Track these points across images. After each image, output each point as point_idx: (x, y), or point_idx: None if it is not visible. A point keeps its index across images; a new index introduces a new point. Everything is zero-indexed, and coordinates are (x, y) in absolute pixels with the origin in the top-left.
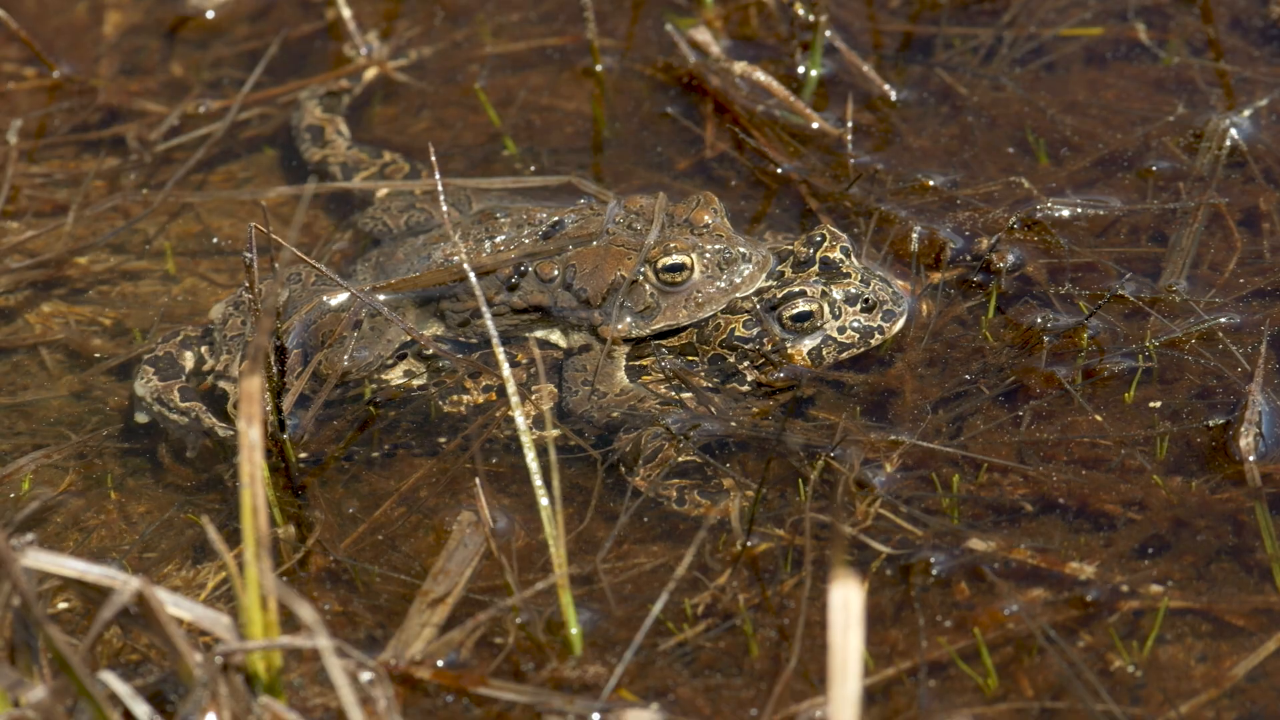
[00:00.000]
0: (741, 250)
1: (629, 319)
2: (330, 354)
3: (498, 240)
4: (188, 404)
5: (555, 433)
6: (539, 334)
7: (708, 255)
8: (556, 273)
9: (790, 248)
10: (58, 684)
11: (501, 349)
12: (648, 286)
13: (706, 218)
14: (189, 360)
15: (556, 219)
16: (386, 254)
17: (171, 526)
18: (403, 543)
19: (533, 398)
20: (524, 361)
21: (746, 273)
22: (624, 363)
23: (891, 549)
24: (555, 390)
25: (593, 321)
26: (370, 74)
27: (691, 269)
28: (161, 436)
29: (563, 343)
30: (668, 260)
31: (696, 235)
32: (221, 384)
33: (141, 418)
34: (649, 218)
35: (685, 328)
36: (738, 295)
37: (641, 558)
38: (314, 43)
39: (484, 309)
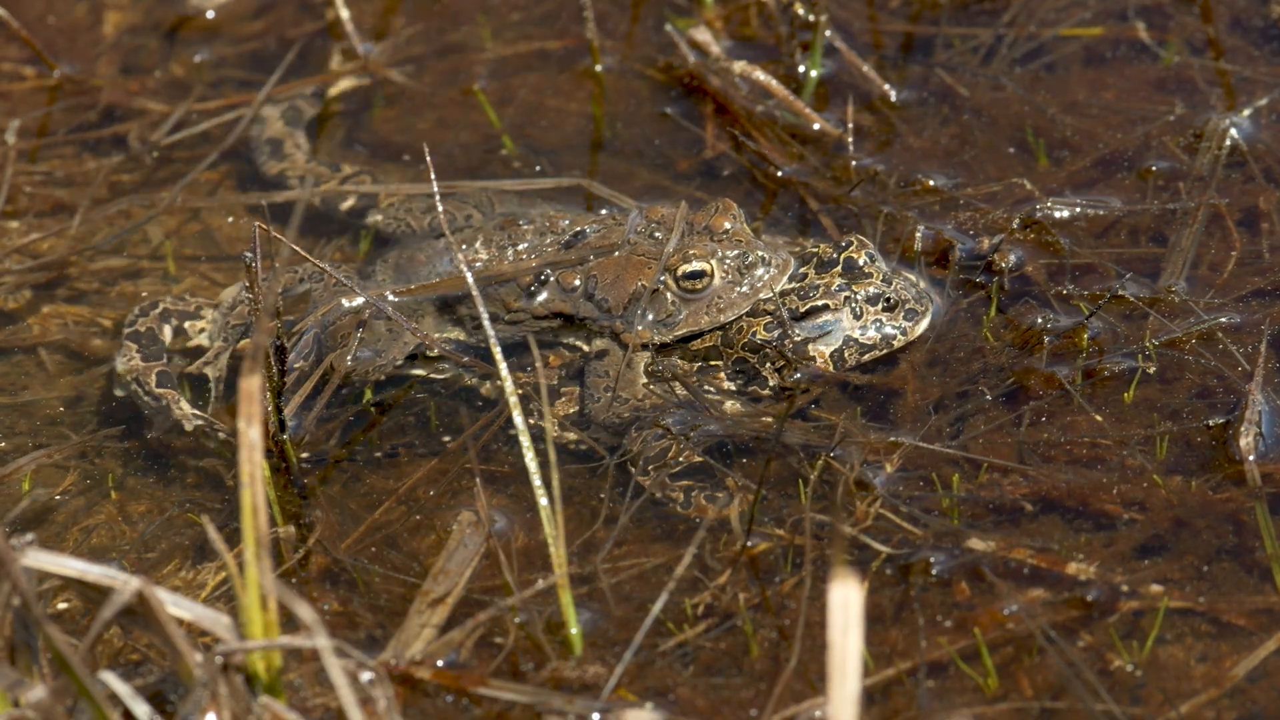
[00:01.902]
0: (761, 254)
1: (650, 327)
2: (336, 355)
3: (520, 248)
4: (162, 390)
5: (571, 436)
6: (566, 340)
7: (728, 261)
8: (578, 282)
9: (815, 250)
10: (58, 684)
11: (500, 352)
12: (669, 295)
13: (726, 223)
14: (168, 334)
15: (579, 229)
16: (408, 256)
17: (171, 526)
18: (403, 543)
19: (553, 404)
20: (556, 365)
21: (767, 276)
22: (643, 368)
23: (891, 549)
24: (574, 393)
25: (615, 329)
26: (344, 85)
27: (711, 275)
28: (167, 440)
29: (585, 347)
30: (687, 267)
31: (716, 241)
32: (206, 369)
33: (119, 392)
34: (670, 226)
35: (708, 332)
36: (760, 298)
37: (641, 558)
38: (314, 43)
39: (484, 319)
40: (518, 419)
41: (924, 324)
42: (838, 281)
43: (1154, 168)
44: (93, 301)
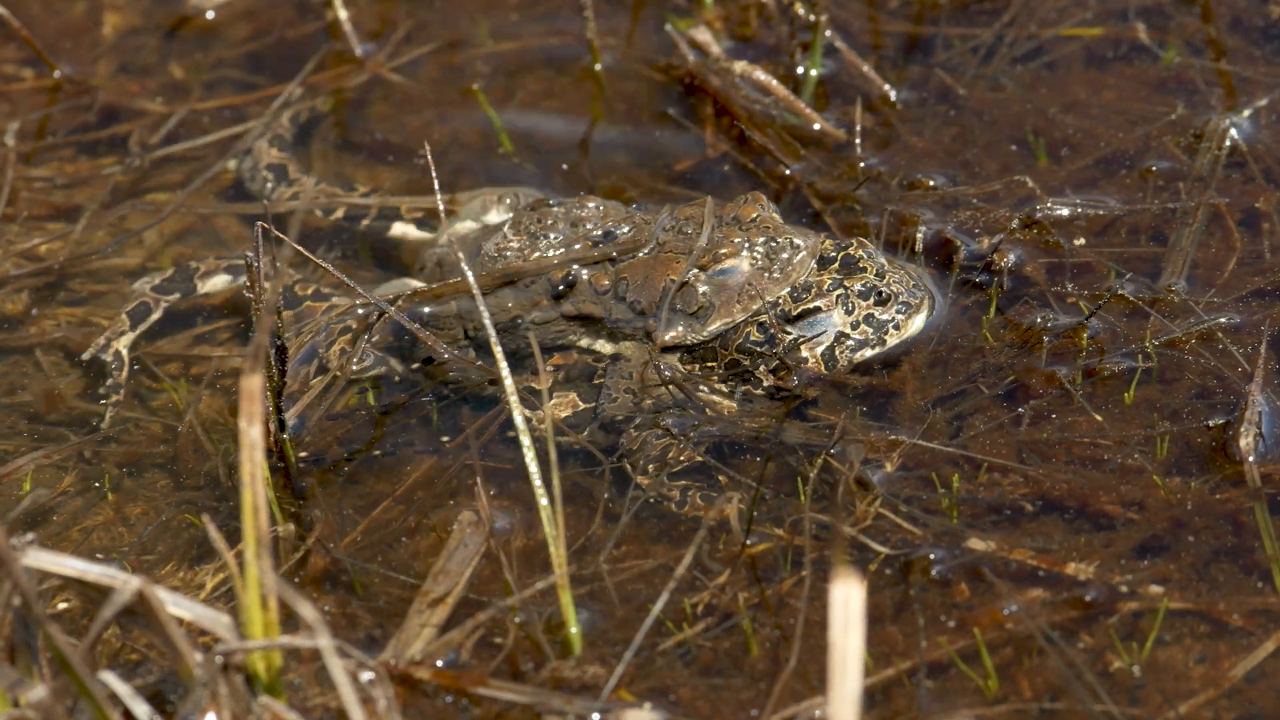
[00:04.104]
0: (791, 239)
1: (681, 325)
2: (341, 358)
3: (551, 238)
4: (124, 318)
5: (571, 437)
6: (583, 342)
7: (757, 249)
8: (608, 284)
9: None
10: (58, 684)
11: (500, 350)
12: (700, 287)
13: (754, 212)
14: (205, 287)
15: (608, 229)
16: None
17: (169, 527)
18: (402, 543)
19: (549, 405)
20: (560, 366)
21: (798, 259)
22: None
23: (891, 549)
24: (577, 398)
25: (648, 329)
26: (291, 110)
27: (741, 267)
28: (161, 439)
29: (607, 350)
30: (718, 267)
31: (744, 230)
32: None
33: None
34: (699, 222)
35: (742, 324)
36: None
37: (641, 558)
38: (313, 43)
39: (486, 319)
40: (518, 418)
41: (919, 319)
42: (830, 279)
43: (1154, 168)
44: (92, 303)
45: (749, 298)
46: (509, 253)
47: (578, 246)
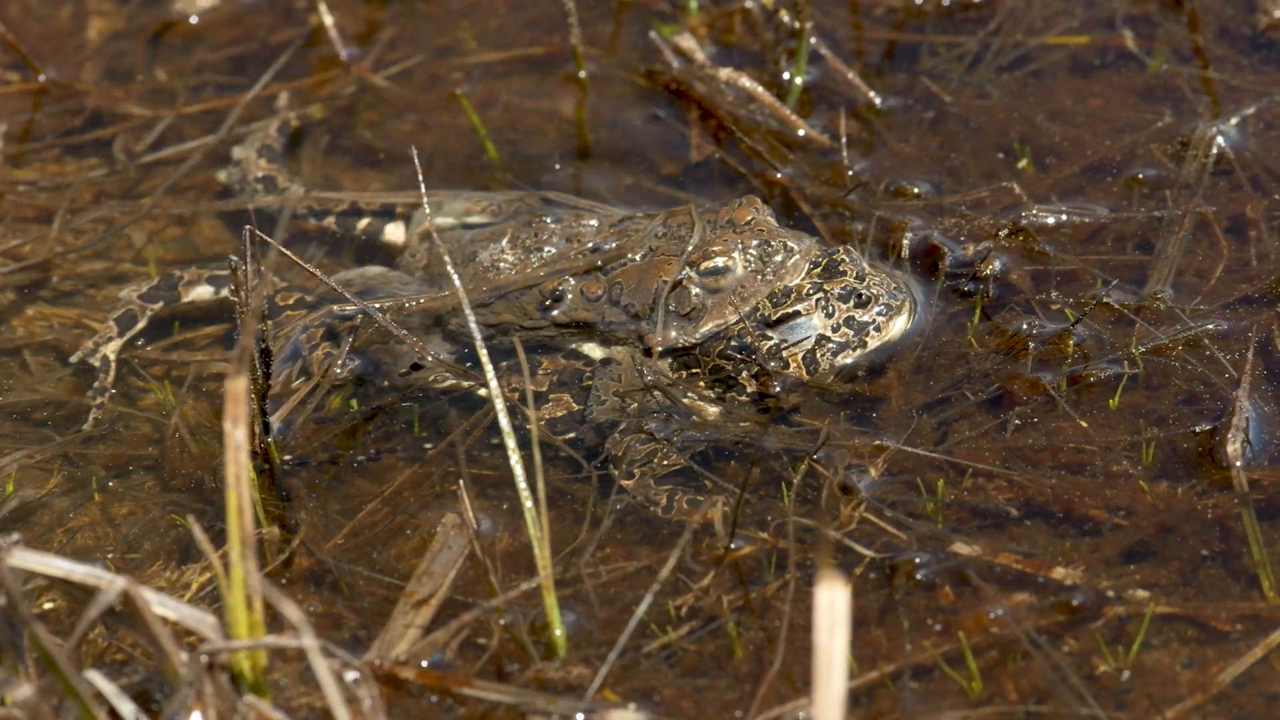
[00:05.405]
0: (785, 242)
1: (674, 329)
2: (326, 359)
3: (545, 253)
4: (113, 322)
5: (557, 440)
6: (572, 345)
7: (750, 251)
8: (601, 291)
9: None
10: (44, 682)
11: (487, 355)
12: (692, 288)
13: (749, 215)
14: (194, 295)
15: (597, 243)
16: (437, 255)
17: (155, 528)
18: (387, 545)
19: (544, 408)
20: (551, 370)
21: (791, 263)
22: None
23: (875, 553)
24: (570, 400)
25: (641, 332)
26: (279, 121)
27: (734, 268)
28: (148, 441)
29: (597, 355)
30: (709, 264)
31: (738, 233)
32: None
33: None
34: (692, 226)
35: (735, 324)
36: (786, 283)
37: (625, 560)
38: (298, 48)
39: (472, 324)
40: (503, 421)
41: (900, 321)
42: (809, 284)
43: (1140, 175)
44: (77, 304)
45: (741, 300)
46: (502, 264)
47: (574, 253)
